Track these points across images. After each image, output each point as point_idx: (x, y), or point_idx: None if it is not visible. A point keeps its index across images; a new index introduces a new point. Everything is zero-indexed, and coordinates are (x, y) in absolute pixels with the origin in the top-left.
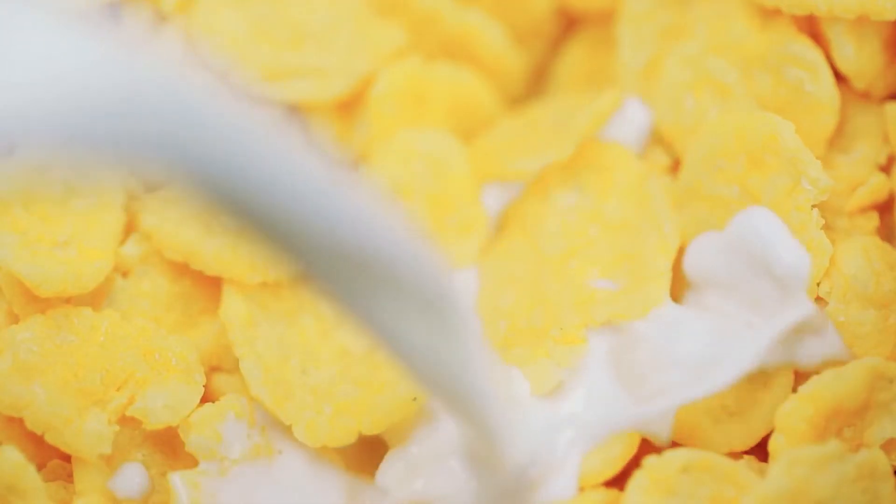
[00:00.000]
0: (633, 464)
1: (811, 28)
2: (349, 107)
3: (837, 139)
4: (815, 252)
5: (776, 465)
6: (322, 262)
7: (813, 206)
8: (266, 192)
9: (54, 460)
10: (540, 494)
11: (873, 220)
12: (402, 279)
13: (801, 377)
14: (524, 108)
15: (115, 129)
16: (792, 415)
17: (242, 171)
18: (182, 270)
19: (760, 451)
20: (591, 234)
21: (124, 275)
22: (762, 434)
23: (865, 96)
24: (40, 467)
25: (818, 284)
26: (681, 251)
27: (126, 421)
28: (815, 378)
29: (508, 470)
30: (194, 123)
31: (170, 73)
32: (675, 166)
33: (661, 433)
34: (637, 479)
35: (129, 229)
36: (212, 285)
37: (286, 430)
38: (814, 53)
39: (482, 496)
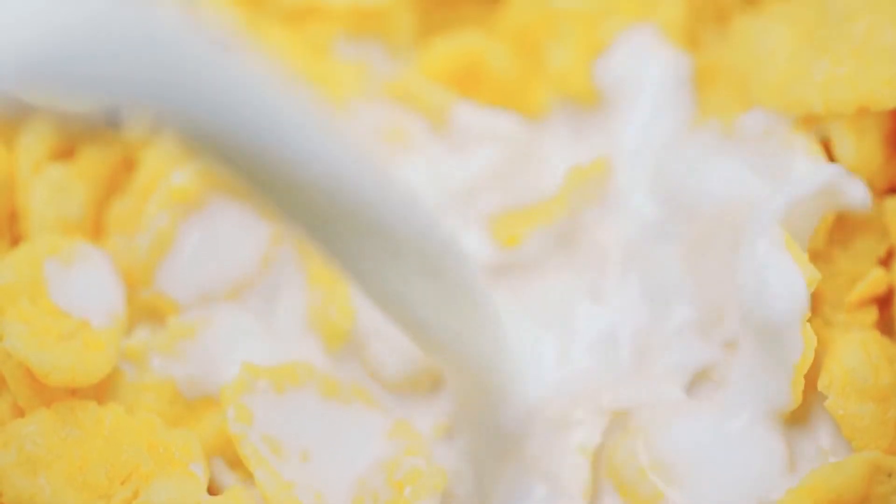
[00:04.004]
0: None
1: (811, 125)
2: None
3: (837, 232)
4: (802, 343)
5: None
6: (313, 216)
7: None
8: (267, 151)
9: None
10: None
11: (872, 314)
12: (400, 237)
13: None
14: None
15: (110, 71)
16: None
17: (240, 123)
18: None
19: None
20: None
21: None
22: None
23: None
24: None
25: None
26: None
27: None
28: (814, 471)
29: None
30: (195, 70)
31: (171, 21)
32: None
33: None
34: None
35: (132, 321)
36: None
37: None
38: (814, 147)
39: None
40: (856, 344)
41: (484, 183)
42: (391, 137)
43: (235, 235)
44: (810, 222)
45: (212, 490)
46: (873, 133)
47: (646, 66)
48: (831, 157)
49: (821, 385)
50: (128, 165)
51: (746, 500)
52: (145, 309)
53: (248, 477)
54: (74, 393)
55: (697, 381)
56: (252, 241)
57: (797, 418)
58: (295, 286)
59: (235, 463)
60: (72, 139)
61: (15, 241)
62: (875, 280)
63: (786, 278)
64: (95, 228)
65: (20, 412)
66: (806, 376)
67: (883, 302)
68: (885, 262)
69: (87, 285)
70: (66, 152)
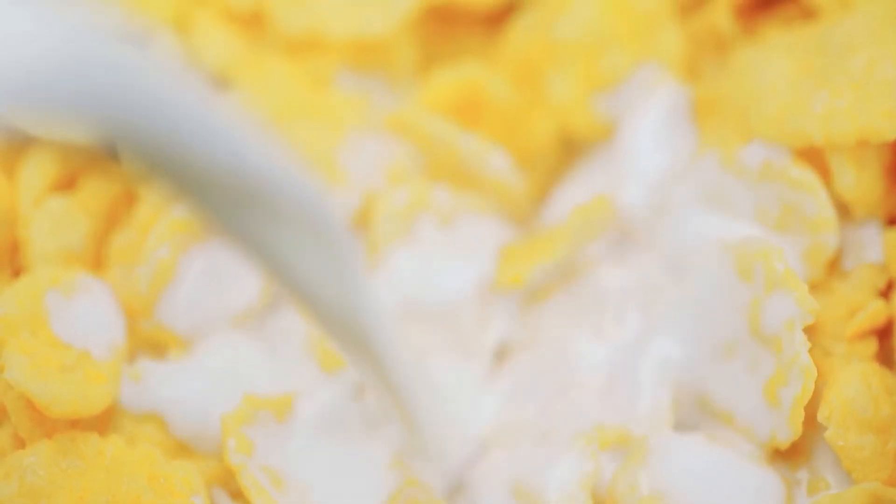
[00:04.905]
0: None
1: (811, 156)
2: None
3: (837, 263)
4: (801, 374)
5: None
6: (206, 192)
7: (801, 329)
8: (169, 135)
9: None
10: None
11: (872, 345)
12: (284, 206)
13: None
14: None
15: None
16: None
17: (150, 118)
18: None
19: None
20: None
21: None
22: None
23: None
24: None
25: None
26: None
27: None
28: (813, 503)
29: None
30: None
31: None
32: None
33: None
34: None
35: (133, 353)
36: None
37: None
38: (813, 178)
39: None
40: (856, 375)
41: (483, 217)
42: (392, 170)
43: (235, 267)
44: (810, 253)
45: None
46: (873, 165)
47: (646, 97)
48: (831, 189)
49: (821, 416)
50: (129, 197)
51: None
52: (146, 340)
53: None
54: (75, 424)
55: (698, 414)
56: (252, 273)
57: (797, 449)
58: (295, 316)
59: (237, 494)
60: (73, 171)
61: (16, 272)
62: (875, 311)
63: (785, 309)
64: (96, 260)
65: (21, 443)
66: (806, 407)
67: (883, 333)
68: (884, 293)
69: (88, 317)
70: (67, 184)
